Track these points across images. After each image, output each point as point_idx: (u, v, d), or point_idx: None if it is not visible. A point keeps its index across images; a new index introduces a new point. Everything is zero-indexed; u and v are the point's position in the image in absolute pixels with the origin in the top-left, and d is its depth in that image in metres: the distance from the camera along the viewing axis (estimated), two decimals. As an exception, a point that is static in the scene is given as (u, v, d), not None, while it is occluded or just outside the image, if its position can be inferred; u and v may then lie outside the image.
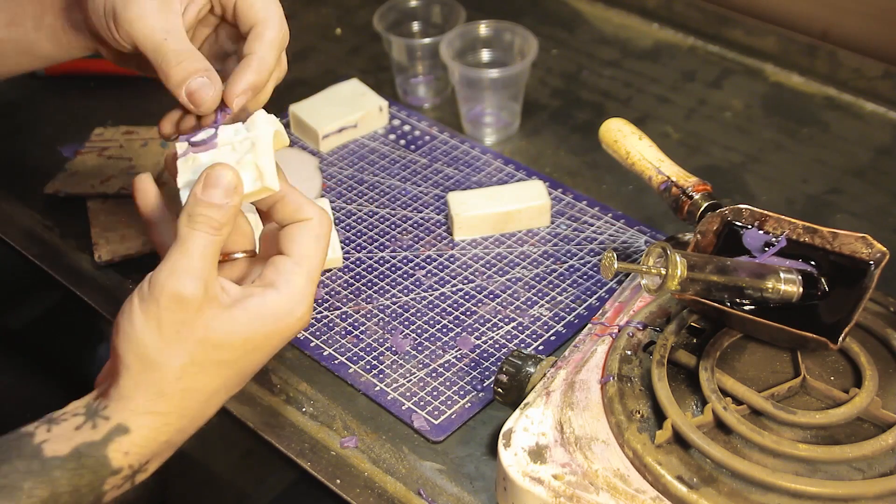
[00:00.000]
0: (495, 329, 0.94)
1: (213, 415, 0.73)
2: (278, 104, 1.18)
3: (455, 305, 0.96)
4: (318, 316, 0.96)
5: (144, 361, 0.68)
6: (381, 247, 1.02)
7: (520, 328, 0.94)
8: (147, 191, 0.77)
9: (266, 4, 0.78)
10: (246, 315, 0.69)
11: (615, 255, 0.71)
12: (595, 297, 0.96)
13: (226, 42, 0.83)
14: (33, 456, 0.66)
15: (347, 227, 1.04)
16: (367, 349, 0.93)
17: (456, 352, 0.92)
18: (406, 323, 0.95)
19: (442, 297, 0.97)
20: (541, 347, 0.92)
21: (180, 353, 0.68)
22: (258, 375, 0.91)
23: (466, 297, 0.97)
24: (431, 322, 0.95)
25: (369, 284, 0.98)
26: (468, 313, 0.96)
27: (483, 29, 1.16)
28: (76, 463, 0.67)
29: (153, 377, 0.68)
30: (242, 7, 0.78)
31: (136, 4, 0.75)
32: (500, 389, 0.82)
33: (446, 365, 0.91)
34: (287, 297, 0.70)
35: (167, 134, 0.80)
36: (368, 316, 0.96)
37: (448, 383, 0.90)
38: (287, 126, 1.16)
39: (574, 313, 0.95)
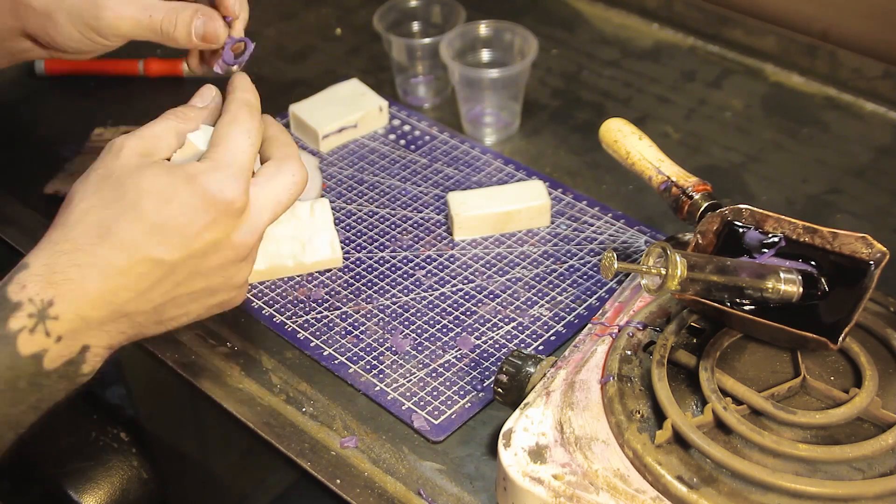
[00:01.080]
0: (495, 329, 0.94)
1: (128, 282, 0.69)
2: (278, 104, 1.19)
3: (455, 305, 0.96)
4: (318, 316, 0.96)
5: (65, 203, 0.70)
6: (381, 247, 1.02)
7: (520, 328, 0.94)
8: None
9: None
10: (161, 164, 0.71)
11: (615, 255, 0.71)
12: (595, 297, 0.96)
13: None
14: None
15: (347, 227, 1.04)
16: (367, 349, 0.93)
17: (456, 352, 0.92)
18: (406, 323, 0.95)
19: (442, 297, 0.97)
20: (541, 347, 0.92)
21: (90, 187, 0.70)
22: (258, 375, 0.91)
23: (466, 297, 0.97)
24: (431, 322, 0.95)
25: (369, 284, 0.98)
26: (468, 313, 0.96)
27: (483, 29, 1.16)
28: None
29: (61, 215, 0.70)
30: None
31: (107, 11, 0.80)
32: (500, 389, 0.82)
33: (446, 365, 0.91)
34: (215, 158, 0.72)
35: (195, 68, 0.87)
36: (368, 316, 0.96)
37: (448, 383, 0.90)
38: (287, 126, 1.16)
39: (574, 313, 0.95)
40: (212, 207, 0.70)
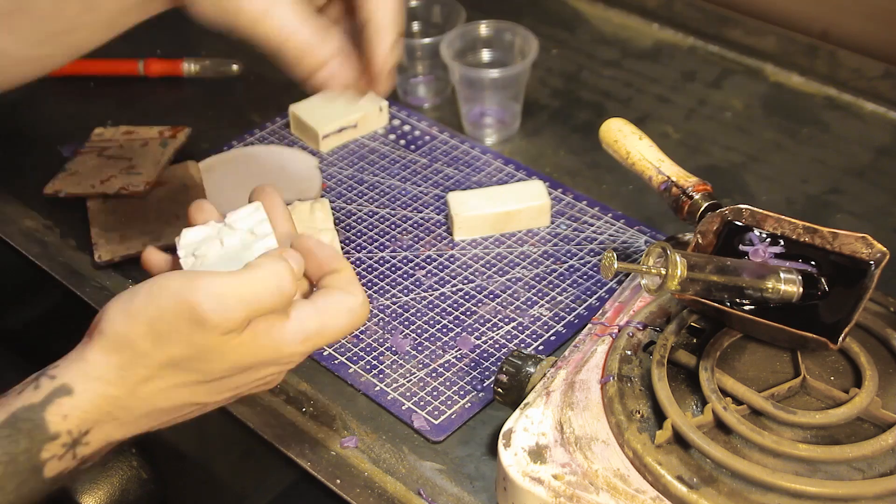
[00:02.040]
0: (495, 329, 0.94)
1: (164, 416, 0.69)
2: (278, 104, 1.19)
3: (455, 305, 0.96)
4: (318, 316, 0.96)
5: (122, 339, 0.65)
6: (381, 247, 1.02)
7: (520, 328, 0.94)
8: (157, 262, 0.75)
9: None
10: (253, 338, 0.67)
11: (615, 255, 0.71)
12: (595, 297, 0.96)
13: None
14: None
15: (347, 227, 1.04)
16: (367, 349, 0.93)
17: (456, 352, 0.92)
18: (406, 323, 0.95)
19: (442, 297, 0.97)
20: (541, 347, 0.92)
21: (166, 353, 0.65)
22: (258, 375, 0.91)
23: (466, 297, 0.97)
24: (431, 322, 0.95)
25: (369, 284, 0.98)
26: (468, 313, 0.96)
27: (483, 29, 1.16)
28: (11, 429, 0.64)
29: (122, 354, 0.65)
30: None
31: (250, 3, 0.72)
32: (500, 389, 0.82)
33: (446, 365, 0.91)
34: (290, 327, 0.68)
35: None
36: (368, 316, 0.96)
37: (448, 383, 0.90)
38: (287, 126, 1.16)
39: (574, 313, 0.95)
40: (272, 368, 0.69)
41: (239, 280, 0.65)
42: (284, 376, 0.74)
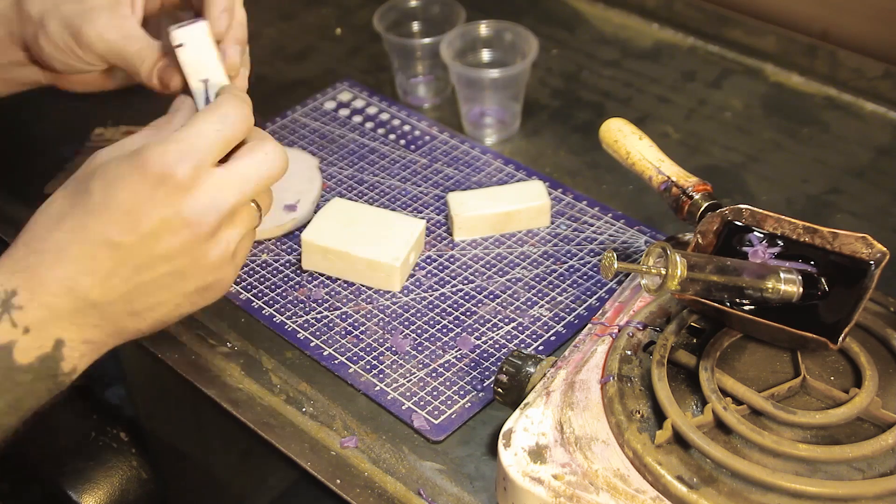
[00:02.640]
0: (495, 329, 0.94)
1: (88, 265, 0.69)
2: (278, 104, 1.19)
3: (455, 306, 0.96)
4: (318, 316, 0.96)
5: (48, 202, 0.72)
6: (381, 247, 1.02)
7: (520, 328, 0.94)
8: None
9: None
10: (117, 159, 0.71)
11: (615, 255, 0.71)
12: (595, 297, 0.96)
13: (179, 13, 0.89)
14: None
15: (347, 227, 1.04)
16: (367, 349, 0.93)
17: (456, 352, 0.92)
18: (406, 323, 0.95)
19: (442, 298, 0.97)
20: (541, 347, 0.92)
21: (59, 191, 0.72)
22: (258, 375, 0.91)
23: (466, 297, 0.97)
24: (431, 322, 0.95)
25: (369, 284, 0.98)
26: (468, 313, 0.96)
27: (483, 29, 1.16)
28: None
29: (43, 208, 0.72)
30: None
31: (91, 25, 0.82)
32: (500, 389, 0.82)
33: (446, 365, 0.91)
34: (171, 136, 0.71)
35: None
36: (368, 316, 0.96)
37: (448, 383, 0.90)
38: (286, 127, 1.16)
39: (574, 313, 0.95)
40: (153, 182, 0.69)
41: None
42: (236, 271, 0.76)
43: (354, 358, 0.92)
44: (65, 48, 0.84)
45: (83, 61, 0.85)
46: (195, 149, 0.70)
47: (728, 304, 0.77)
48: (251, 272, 1.00)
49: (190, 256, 0.71)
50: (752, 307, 0.77)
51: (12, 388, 0.68)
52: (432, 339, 0.94)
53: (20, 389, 0.68)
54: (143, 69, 0.82)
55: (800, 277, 0.77)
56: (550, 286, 0.98)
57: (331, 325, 0.95)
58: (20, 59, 0.89)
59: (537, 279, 0.98)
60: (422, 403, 0.88)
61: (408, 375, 0.90)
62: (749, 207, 0.81)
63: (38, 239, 0.69)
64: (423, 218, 1.05)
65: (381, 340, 0.93)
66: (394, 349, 0.93)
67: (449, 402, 0.88)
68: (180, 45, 0.79)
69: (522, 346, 0.92)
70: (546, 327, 0.94)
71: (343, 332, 0.94)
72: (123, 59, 0.83)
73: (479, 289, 0.98)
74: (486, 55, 1.17)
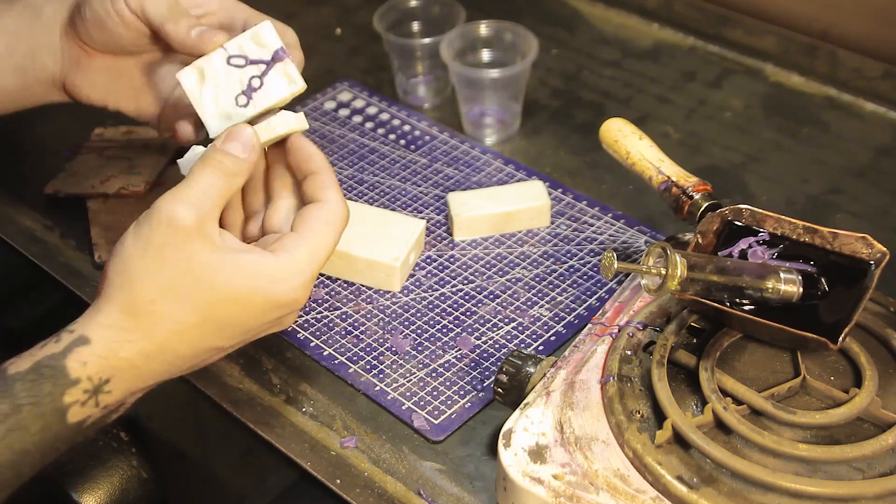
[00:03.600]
0: (495, 329, 0.94)
1: (183, 362, 0.72)
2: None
3: (455, 306, 0.96)
4: (318, 316, 0.96)
5: (123, 276, 0.69)
6: (381, 247, 1.02)
7: (520, 328, 0.94)
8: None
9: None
10: (235, 264, 0.70)
11: (615, 255, 0.71)
12: (595, 297, 0.96)
13: None
14: (1, 382, 0.67)
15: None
16: (367, 349, 0.93)
17: (456, 352, 0.92)
18: (406, 323, 0.95)
19: (442, 298, 0.97)
20: (541, 348, 0.92)
21: (159, 275, 0.69)
22: (258, 375, 0.91)
23: (466, 297, 0.97)
24: (431, 322, 0.95)
25: (369, 284, 0.98)
26: (468, 313, 0.96)
27: (483, 29, 1.16)
28: (35, 374, 0.68)
29: (127, 293, 0.69)
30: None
31: None
32: (500, 389, 0.82)
33: (446, 365, 0.91)
34: (282, 264, 0.72)
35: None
36: (368, 316, 0.96)
37: (448, 383, 0.90)
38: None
39: (574, 313, 0.95)
40: (280, 309, 0.73)
41: (192, 182, 0.71)
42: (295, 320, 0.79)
43: (354, 358, 0.92)
44: (104, 13, 0.82)
45: (121, 27, 0.82)
46: (313, 280, 0.74)
47: (728, 304, 0.77)
48: (251, 272, 1.00)
49: (277, 327, 0.76)
50: (752, 307, 0.77)
51: (67, 445, 0.70)
52: (432, 339, 0.94)
53: (74, 442, 0.71)
54: (181, 27, 0.79)
55: (800, 277, 0.77)
56: (550, 286, 0.98)
57: (331, 325, 0.95)
58: (48, 89, 0.90)
59: (537, 279, 0.98)
60: (422, 403, 0.88)
61: (408, 375, 0.90)
62: (749, 207, 0.81)
63: (150, 341, 0.70)
64: (423, 218, 1.05)
65: (381, 340, 0.93)
66: (394, 349, 0.93)
67: (449, 402, 0.88)
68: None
69: (522, 346, 0.92)
70: (546, 327, 0.94)
71: (343, 332, 0.94)
72: (157, 18, 0.80)
73: (479, 289, 0.98)
74: (486, 55, 1.17)
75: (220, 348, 0.73)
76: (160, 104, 0.89)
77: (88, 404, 0.69)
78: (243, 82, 0.78)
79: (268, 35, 0.78)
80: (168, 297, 0.69)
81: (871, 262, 0.77)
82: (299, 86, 0.78)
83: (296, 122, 0.78)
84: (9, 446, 0.66)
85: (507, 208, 1.02)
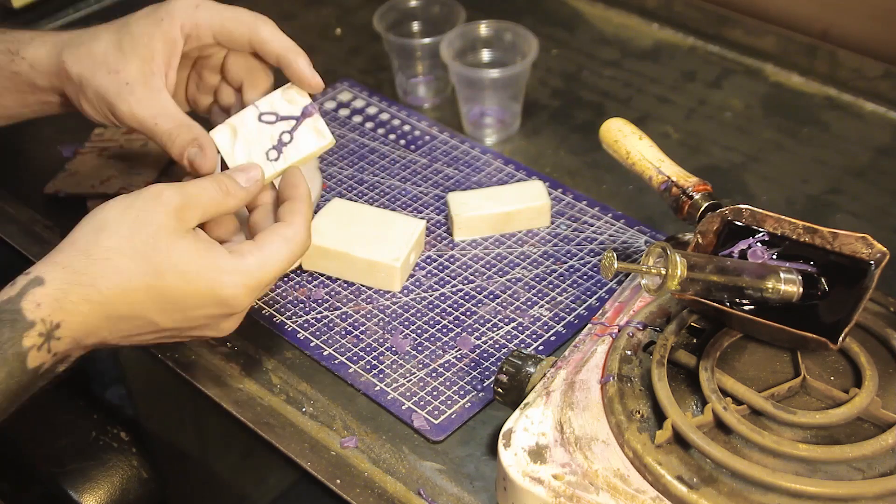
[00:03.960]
0: (495, 329, 0.94)
1: (120, 326, 0.74)
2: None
3: (455, 306, 0.96)
4: (318, 316, 0.96)
5: (94, 224, 0.74)
6: (381, 247, 1.02)
7: (520, 328, 0.94)
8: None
9: (239, 20, 0.87)
10: (194, 248, 0.74)
11: (615, 255, 0.71)
12: (595, 297, 0.96)
13: (208, 77, 0.90)
14: None
15: (347, 227, 1.04)
16: (367, 349, 0.93)
17: (456, 352, 0.92)
18: (406, 323, 0.95)
19: (442, 298, 0.97)
20: (541, 348, 0.92)
21: (126, 230, 0.73)
22: (258, 375, 0.91)
23: (466, 297, 0.97)
24: (431, 322, 0.95)
25: (369, 284, 0.98)
26: (468, 313, 0.96)
27: (483, 29, 1.16)
28: None
29: (92, 239, 0.73)
30: (226, 39, 0.87)
31: (124, 101, 0.83)
32: (500, 389, 0.82)
33: (446, 365, 0.91)
34: (233, 262, 0.75)
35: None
36: (368, 316, 0.96)
37: (448, 383, 0.90)
38: None
39: (574, 313, 0.95)
40: (219, 305, 0.76)
41: (191, 182, 0.77)
42: (235, 328, 0.81)
43: (354, 358, 0.92)
44: (102, 117, 0.86)
45: (118, 125, 0.87)
46: (261, 288, 0.78)
47: (728, 304, 0.77)
48: (251, 272, 1.00)
49: (211, 328, 0.79)
50: (752, 307, 0.77)
51: (27, 394, 0.72)
52: (432, 339, 0.94)
53: (30, 392, 0.73)
54: (174, 149, 0.83)
55: (800, 277, 0.77)
56: (550, 286, 0.98)
57: (331, 325, 0.95)
58: (56, 102, 0.91)
59: (537, 279, 0.98)
60: (422, 403, 0.88)
61: (408, 375, 0.90)
62: (749, 207, 0.81)
63: (96, 289, 0.72)
64: (423, 218, 1.05)
65: (381, 340, 0.93)
66: (394, 349, 0.93)
67: (449, 402, 0.88)
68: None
69: (522, 346, 0.92)
70: (546, 327, 0.94)
71: (343, 332, 0.94)
72: (155, 136, 0.84)
73: (479, 289, 0.98)
74: (486, 55, 1.17)
75: (155, 325, 0.75)
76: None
77: (43, 349, 0.71)
78: (274, 138, 0.83)
79: (297, 92, 0.84)
80: (126, 252, 0.73)
81: (871, 262, 0.77)
82: (328, 139, 0.83)
83: (319, 141, 0.84)
84: None
85: (507, 208, 1.02)
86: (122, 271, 0.73)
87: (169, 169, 1.09)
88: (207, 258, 0.75)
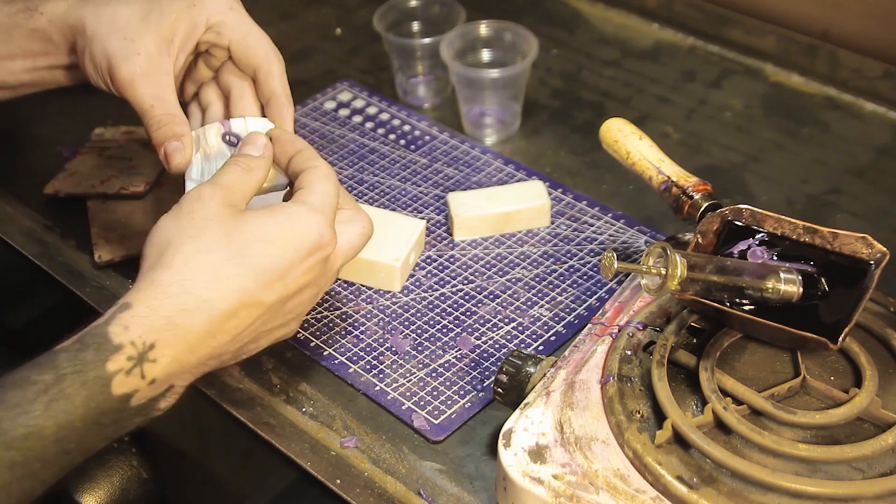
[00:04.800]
0: (495, 329, 0.94)
1: (226, 324, 0.71)
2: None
3: (455, 306, 0.96)
4: (318, 316, 0.96)
5: (157, 244, 0.72)
6: (381, 247, 1.02)
7: (520, 328, 0.94)
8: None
9: (261, 44, 0.87)
10: (260, 215, 0.74)
11: (615, 255, 0.71)
12: (595, 297, 0.96)
13: (202, 70, 0.91)
14: (46, 356, 0.67)
15: (347, 227, 1.04)
16: (367, 349, 0.93)
17: (456, 352, 0.92)
18: (406, 323, 0.95)
19: (442, 298, 0.97)
20: (541, 348, 0.92)
21: (190, 231, 0.71)
22: (258, 375, 0.91)
23: (466, 297, 0.97)
24: (431, 322, 0.95)
25: (369, 284, 0.98)
26: (468, 313, 0.96)
27: (483, 29, 1.16)
28: (79, 344, 0.67)
29: (162, 254, 0.71)
30: (240, 52, 0.87)
31: (128, 68, 0.83)
32: (500, 389, 0.82)
33: (446, 365, 0.91)
34: (299, 207, 0.74)
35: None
36: (368, 316, 0.96)
37: (448, 383, 0.90)
38: None
39: (574, 313, 0.95)
40: (312, 252, 0.74)
41: (215, 175, 0.77)
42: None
43: (354, 358, 0.92)
44: (99, 76, 0.85)
45: (111, 91, 0.86)
46: (333, 217, 0.76)
47: (728, 304, 0.77)
48: (251, 272, 1.00)
49: (302, 312, 0.77)
50: (752, 307, 0.77)
51: (116, 427, 0.69)
52: (432, 339, 0.94)
53: (121, 425, 0.69)
54: (157, 136, 0.82)
55: (800, 277, 0.77)
56: (550, 286, 0.98)
57: (331, 325, 0.95)
58: (63, 67, 0.90)
59: (537, 279, 0.98)
60: (422, 403, 0.88)
61: (408, 375, 0.90)
62: (749, 207, 0.81)
63: (189, 293, 0.69)
64: (423, 218, 1.05)
65: (381, 340, 0.93)
66: (394, 349, 0.93)
67: (449, 402, 0.88)
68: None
69: (522, 346, 0.92)
70: (546, 327, 0.94)
71: (343, 332, 0.94)
72: (143, 116, 0.83)
73: (479, 289, 0.98)
74: (486, 55, 1.17)
75: (263, 305, 0.72)
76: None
77: (133, 374, 0.67)
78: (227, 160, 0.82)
79: (262, 124, 0.84)
80: (203, 250, 0.71)
81: (871, 262, 0.77)
82: (284, 180, 0.81)
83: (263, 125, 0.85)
84: (52, 417, 0.65)
85: (507, 208, 1.02)
86: (208, 267, 0.70)
87: (167, 171, 1.09)
88: (276, 218, 0.73)
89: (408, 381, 0.90)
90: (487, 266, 1.00)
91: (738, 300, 0.77)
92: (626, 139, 0.88)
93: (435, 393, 0.89)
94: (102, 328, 0.68)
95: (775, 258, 0.80)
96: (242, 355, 0.76)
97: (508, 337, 0.93)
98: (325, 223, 0.75)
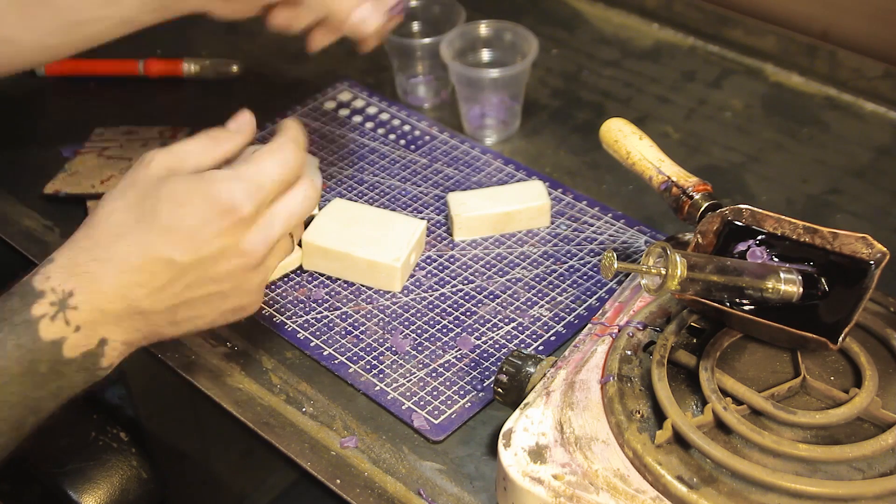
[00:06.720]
0: (495, 329, 0.94)
1: (138, 278, 0.73)
2: (278, 104, 1.19)
3: (455, 306, 0.96)
4: (318, 316, 0.96)
5: (92, 208, 0.78)
6: (381, 247, 1.02)
7: (520, 328, 0.94)
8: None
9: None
10: (181, 177, 0.75)
11: (615, 255, 0.71)
12: (595, 297, 0.96)
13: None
14: None
15: (347, 227, 1.04)
16: (367, 349, 0.93)
17: (456, 352, 0.92)
18: (406, 323, 0.95)
19: (442, 298, 0.97)
20: (541, 348, 0.92)
21: (115, 192, 0.76)
22: (258, 375, 0.91)
23: (466, 297, 0.97)
24: (431, 322, 0.95)
25: (369, 284, 0.98)
26: (468, 314, 0.96)
27: (483, 29, 1.16)
28: (6, 296, 0.72)
29: (89, 218, 0.76)
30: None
31: None
32: (500, 389, 0.82)
33: (446, 365, 0.91)
34: (222, 171, 0.76)
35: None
36: (368, 316, 0.96)
37: (448, 383, 0.90)
38: None
39: (574, 313, 0.95)
40: (221, 214, 0.74)
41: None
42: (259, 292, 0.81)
43: (354, 358, 0.92)
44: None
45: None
46: (260, 189, 0.76)
47: (728, 304, 0.77)
48: (251, 272, 1.00)
49: (236, 280, 0.77)
50: (752, 307, 0.77)
51: (57, 379, 0.73)
52: (432, 339, 0.94)
53: (64, 380, 0.73)
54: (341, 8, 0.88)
55: (800, 277, 0.77)
56: (550, 286, 0.98)
57: (331, 325, 0.95)
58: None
59: (537, 279, 0.98)
60: (422, 403, 0.88)
61: (408, 375, 0.90)
62: (749, 207, 0.81)
63: (100, 247, 0.74)
64: (423, 218, 1.05)
65: (381, 340, 0.93)
66: (394, 349, 0.93)
67: (449, 402, 0.88)
68: None
69: (522, 346, 0.92)
70: (546, 327, 0.94)
71: (343, 332, 0.94)
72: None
73: (479, 289, 0.98)
74: (486, 55, 1.17)
75: (175, 265, 0.74)
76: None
77: (58, 319, 0.71)
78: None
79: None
80: (121, 209, 0.75)
81: (871, 262, 0.77)
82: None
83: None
84: None
85: (507, 208, 1.02)
86: (119, 223, 0.74)
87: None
88: (198, 179, 0.75)
89: (408, 381, 0.90)
90: (487, 266, 1.00)
91: (738, 300, 0.77)
92: (626, 139, 0.88)
93: (435, 393, 0.89)
94: (28, 280, 0.73)
95: (775, 258, 0.80)
96: (183, 324, 0.78)
97: (508, 337, 0.93)
98: (241, 190, 0.75)
